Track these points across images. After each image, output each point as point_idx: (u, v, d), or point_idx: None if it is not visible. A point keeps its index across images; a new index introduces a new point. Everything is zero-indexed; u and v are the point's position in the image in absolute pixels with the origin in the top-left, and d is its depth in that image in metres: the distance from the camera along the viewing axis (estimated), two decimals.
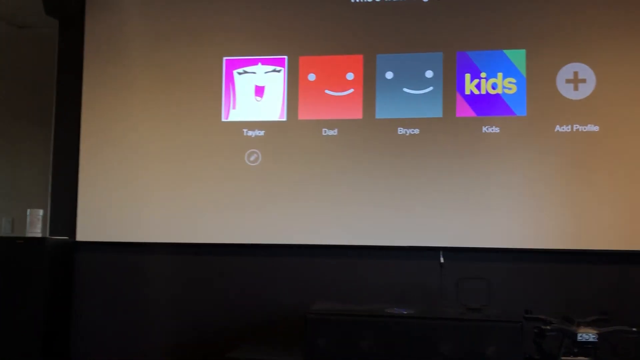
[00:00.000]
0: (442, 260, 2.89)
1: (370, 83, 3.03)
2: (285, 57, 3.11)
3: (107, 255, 3.23)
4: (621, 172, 2.81)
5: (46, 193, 3.34)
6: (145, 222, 3.16)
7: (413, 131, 2.98)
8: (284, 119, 3.09)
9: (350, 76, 3.06)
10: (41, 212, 3.11)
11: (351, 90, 3.05)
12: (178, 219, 3.12)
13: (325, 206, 3.01)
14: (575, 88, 2.88)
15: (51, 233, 3.22)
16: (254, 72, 3.15)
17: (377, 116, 3.02)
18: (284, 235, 3.04)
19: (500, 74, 2.94)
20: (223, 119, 3.13)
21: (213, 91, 3.15)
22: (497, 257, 2.89)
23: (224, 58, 3.15)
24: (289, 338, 2.98)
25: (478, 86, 2.95)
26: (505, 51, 2.95)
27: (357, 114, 3.03)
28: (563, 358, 2.35)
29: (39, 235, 3.07)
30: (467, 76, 2.96)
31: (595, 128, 2.85)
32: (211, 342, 3.08)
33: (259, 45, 3.14)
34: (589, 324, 2.37)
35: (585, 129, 2.86)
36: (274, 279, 3.07)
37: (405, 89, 3.01)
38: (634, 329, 2.32)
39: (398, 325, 2.40)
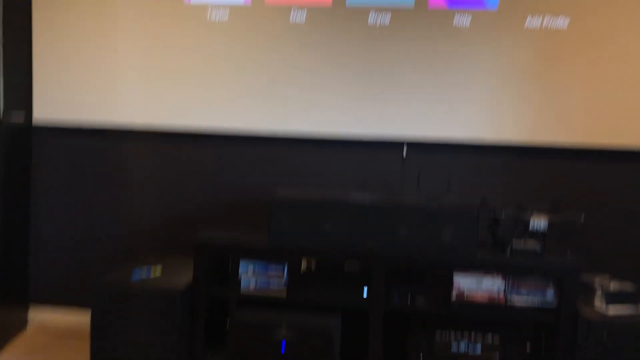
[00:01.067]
0: (404, 153, 2.94)
1: None
2: None
3: (67, 141, 3.17)
4: (589, 68, 2.84)
5: None
6: (107, 107, 3.07)
7: (383, 21, 2.92)
8: (249, 4, 2.97)
9: None
10: None
11: None
12: (143, 105, 3.04)
13: (290, 96, 2.97)
14: None
15: (4, 116, 3.07)
16: None
17: (347, 4, 2.93)
18: (248, 125, 3.02)
19: None
20: (185, 2, 3.00)
21: None
22: (458, 150, 2.95)
23: None
24: (254, 222, 3.06)
25: None
26: None
27: (326, 0, 2.94)
28: (515, 243, 2.48)
29: None
30: None
31: (567, 20, 2.85)
32: (177, 227, 3.13)
33: None
34: (540, 213, 2.49)
35: (556, 21, 2.86)
36: (239, 168, 3.08)
37: None
38: (581, 218, 2.45)
39: (359, 210, 2.47)
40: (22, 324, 3.14)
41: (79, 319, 3.21)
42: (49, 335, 3.07)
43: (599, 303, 2.39)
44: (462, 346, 2.49)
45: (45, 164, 3.20)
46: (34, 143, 3.18)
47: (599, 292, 2.39)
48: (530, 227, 2.45)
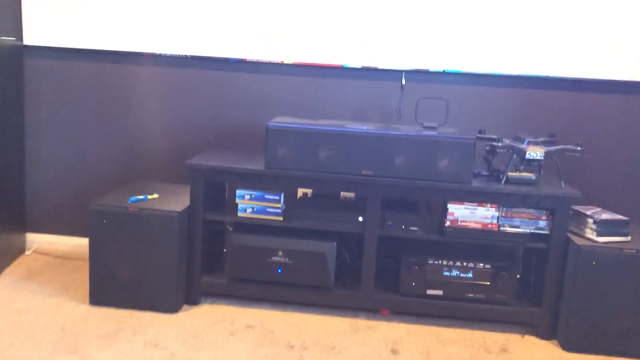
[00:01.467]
0: (403, 81, 2.91)
1: None
2: None
3: (60, 63, 3.11)
4: None
5: None
6: (101, 28, 3.01)
7: None
8: None
9: None
10: None
11: None
12: (138, 27, 2.99)
13: (287, 22, 2.92)
14: None
15: None
16: None
17: None
18: (245, 52, 2.97)
19: None
20: None
21: None
22: (457, 79, 2.93)
23: None
24: (251, 150, 3.06)
25: None
26: None
27: None
28: (510, 174, 2.50)
29: None
30: None
31: None
32: (173, 154, 3.13)
33: None
34: (537, 144, 2.50)
35: None
36: (234, 94, 3.05)
37: None
38: (578, 148, 2.46)
39: (356, 138, 2.46)
40: (21, 250, 3.17)
41: (77, 244, 3.25)
42: (48, 259, 3.12)
43: (590, 232, 2.43)
44: (454, 272, 2.55)
45: (37, 87, 3.15)
46: (25, 64, 3.13)
47: (590, 222, 2.43)
48: (526, 157, 2.46)
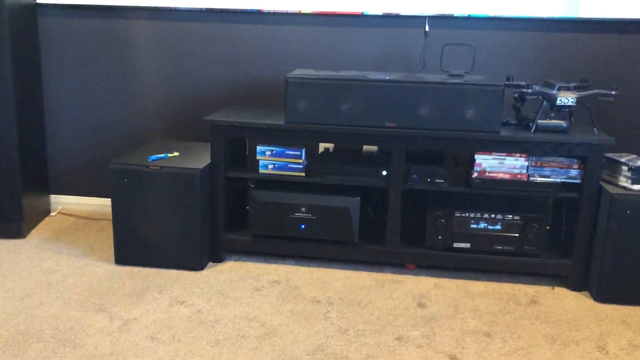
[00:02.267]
0: (427, 28, 2.79)
1: None
2: None
3: (75, 20, 3.05)
4: None
5: None
6: None
7: None
8: None
9: None
10: None
11: None
12: None
13: None
14: None
15: None
16: None
17: None
18: (261, 2, 2.86)
19: None
20: None
21: None
22: (483, 24, 2.79)
23: None
24: (269, 104, 3.00)
25: None
26: None
27: None
28: (539, 121, 2.40)
29: None
30: None
31: None
32: (192, 110, 3.09)
33: None
34: (569, 89, 2.38)
35: None
36: (252, 47, 2.97)
37: None
38: (612, 92, 2.34)
39: (378, 88, 2.38)
40: (46, 211, 3.20)
41: (101, 204, 3.26)
42: (73, 220, 3.14)
43: (624, 180, 2.34)
44: (482, 224, 2.49)
45: (53, 47, 3.10)
46: (39, 23, 3.08)
47: (625, 169, 2.34)
48: (557, 103, 2.35)
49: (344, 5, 2.82)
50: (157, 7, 2.94)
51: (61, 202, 3.29)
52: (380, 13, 2.81)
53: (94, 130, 3.19)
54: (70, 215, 3.21)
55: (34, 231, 2.98)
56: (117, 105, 3.14)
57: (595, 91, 2.38)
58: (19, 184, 2.85)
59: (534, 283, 2.53)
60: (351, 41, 2.90)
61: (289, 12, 2.87)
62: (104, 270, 2.55)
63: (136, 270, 2.55)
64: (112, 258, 2.65)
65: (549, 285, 2.51)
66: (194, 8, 2.92)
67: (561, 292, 2.45)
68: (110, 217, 3.14)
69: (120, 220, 2.53)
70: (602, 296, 2.36)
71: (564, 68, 2.79)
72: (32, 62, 2.99)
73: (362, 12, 2.82)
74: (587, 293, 2.44)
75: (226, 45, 3.00)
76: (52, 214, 3.22)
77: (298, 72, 2.49)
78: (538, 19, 2.74)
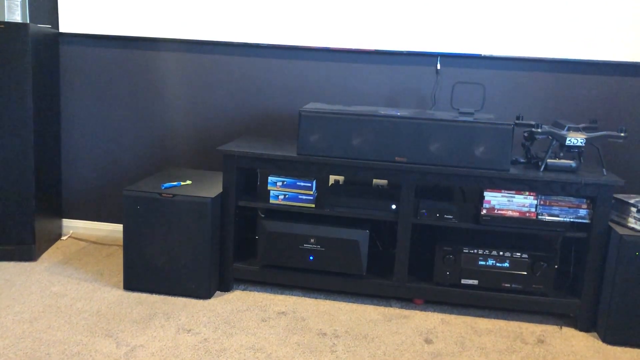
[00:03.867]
0: (438, 66, 2.85)
1: None
2: None
3: (95, 50, 3.14)
4: None
5: None
6: (137, 14, 3.02)
7: None
8: None
9: None
10: None
11: None
12: (172, 14, 2.99)
13: (320, 7, 2.88)
14: None
15: (31, 23, 3.05)
16: None
17: None
18: (275, 36, 2.95)
19: None
20: None
21: None
22: (494, 64, 2.85)
23: None
24: (281, 136, 3.04)
25: None
26: None
27: None
28: (549, 160, 2.42)
29: (19, 21, 2.89)
30: None
31: None
32: (207, 141, 3.14)
33: None
34: (578, 130, 2.41)
35: None
36: (266, 80, 3.03)
37: None
38: (622, 134, 2.36)
39: (390, 124, 2.42)
40: (57, 235, 3.23)
41: (112, 230, 3.29)
42: (83, 244, 3.17)
43: (633, 221, 2.35)
44: (490, 262, 2.49)
45: (72, 75, 3.18)
46: (61, 52, 3.17)
47: (634, 210, 2.34)
48: (566, 143, 2.38)
49: (357, 42, 2.90)
50: (176, 39, 3.03)
51: (72, 226, 3.33)
52: (392, 50, 2.88)
53: (108, 157, 3.25)
54: (80, 239, 3.24)
55: (44, 254, 3.01)
56: (132, 134, 3.21)
57: (604, 132, 2.40)
58: (33, 207, 2.89)
59: (541, 322, 2.51)
60: (364, 77, 2.96)
61: (304, 47, 2.94)
62: (112, 295, 2.56)
63: (144, 296, 2.56)
64: (121, 283, 2.67)
65: (557, 324, 2.50)
66: (210, 41, 3.01)
67: (569, 332, 2.44)
68: (120, 242, 3.17)
69: (131, 246, 2.55)
70: (611, 338, 2.34)
71: (573, 108, 2.83)
72: (51, 88, 3.07)
73: (375, 49, 2.89)
74: (595, 334, 2.42)
75: (241, 78, 3.06)
76: (63, 237, 3.26)
77: (311, 106, 2.54)
78: (548, 59, 2.79)
